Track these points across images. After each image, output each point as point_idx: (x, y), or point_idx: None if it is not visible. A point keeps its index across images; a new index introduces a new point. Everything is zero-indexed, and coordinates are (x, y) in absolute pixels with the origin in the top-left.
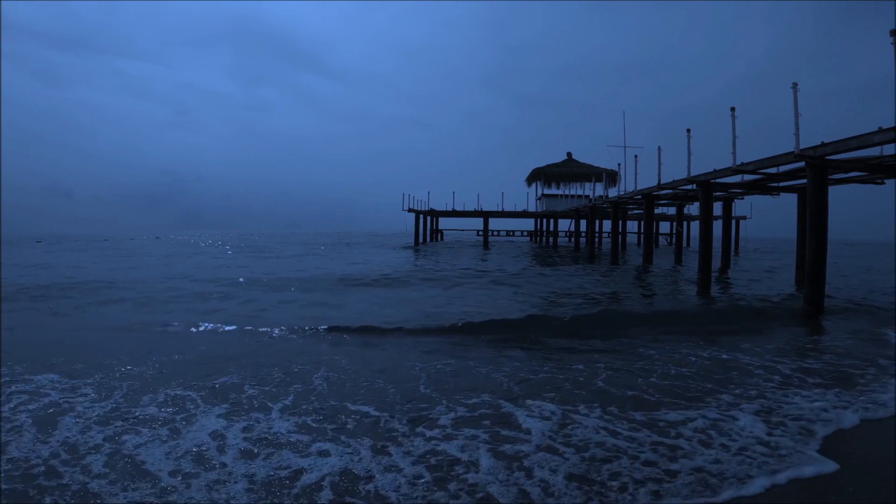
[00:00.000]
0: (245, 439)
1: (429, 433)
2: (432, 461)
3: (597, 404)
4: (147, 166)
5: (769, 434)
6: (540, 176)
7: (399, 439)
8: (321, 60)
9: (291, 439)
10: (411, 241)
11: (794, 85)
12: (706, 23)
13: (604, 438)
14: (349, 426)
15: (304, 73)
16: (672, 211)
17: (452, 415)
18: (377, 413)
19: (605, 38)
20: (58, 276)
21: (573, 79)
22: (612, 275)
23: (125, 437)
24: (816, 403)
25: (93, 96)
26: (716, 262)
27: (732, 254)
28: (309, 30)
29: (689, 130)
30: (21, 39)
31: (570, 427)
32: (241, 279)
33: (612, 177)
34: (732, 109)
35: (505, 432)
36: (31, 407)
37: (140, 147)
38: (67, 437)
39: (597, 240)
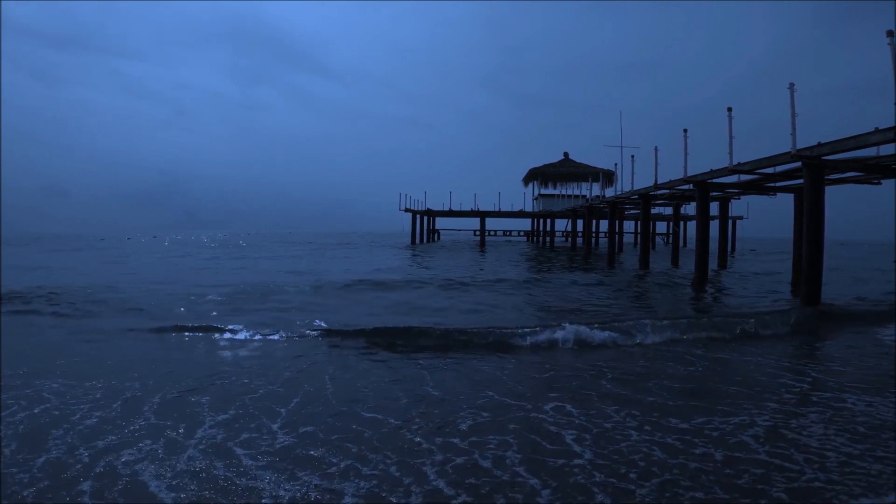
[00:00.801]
0: (258, 455)
1: (459, 444)
2: (472, 481)
3: (618, 407)
4: (145, 166)
5: (860, 446)
6: (537, 176)
7: (431, 454)
8: (319, 60)
9: (311, 455)
10: (408, 240)
11: (791, 85)
12: (706, 23)
13: (662, 455)
14: (366, 435)
15: (303, 72)
16: (669, 211)
17: (472, 421)
18: (394, 420)
19: (604, 38)
20: (57, 278)
21: (573, 79)
22: (608, 282)
23: (122, 452)
24: (882, 409)
25: (90, 96)
26: (712, 263)
27: (729, 254)
28: (307, 29)
29: (685, 130)
30: (16, 39)
31: (610, 439)
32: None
33: (608, 177)
34: (729, 110)
35: (543, 443)
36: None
37: (138, 147)
38: (54, 455)
39: (594, 240)
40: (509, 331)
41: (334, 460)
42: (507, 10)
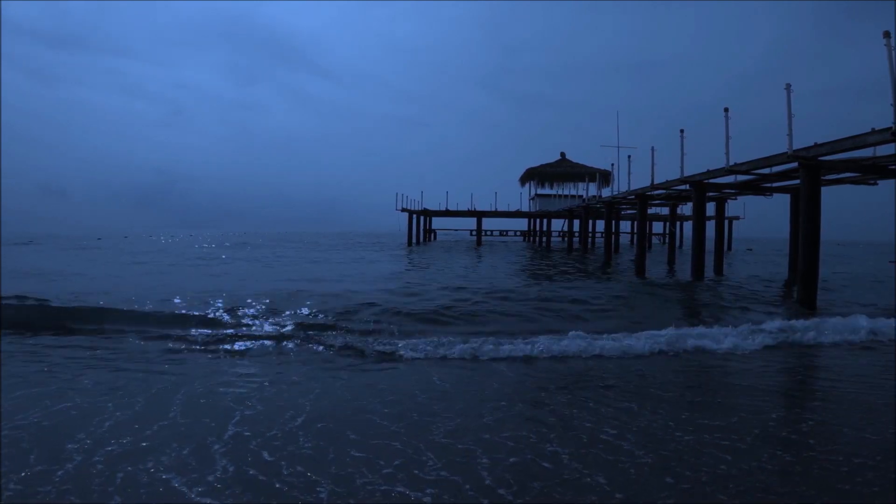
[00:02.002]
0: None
1: (515, 445)
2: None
3: (637, 405)
4: (142, 166)
5: None
6: (534, 176)
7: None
8: (317, 60)
9: (354, 457)
10: (405, 241)
11: (788, 86)
12: (706, 23)
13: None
14: (396, 437)
15: (300, 72)
16: (665, 211)
17: (499, 414)
18: (419, 417)
19: (604, 38)
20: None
21: (572, 79)
22: (604, 296)
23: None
24: None
25: (87, 95)
26: (708, 263)
27: (726, 252)
28: (305, 29)
29: (682, 131)
30: (13, 38)
31: (665, 439)
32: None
33: (605, 177)
34: (726, 110)
35: (595, 446)
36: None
37: (135, 146)
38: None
39: (590, 240)
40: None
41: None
42: (506, 10)
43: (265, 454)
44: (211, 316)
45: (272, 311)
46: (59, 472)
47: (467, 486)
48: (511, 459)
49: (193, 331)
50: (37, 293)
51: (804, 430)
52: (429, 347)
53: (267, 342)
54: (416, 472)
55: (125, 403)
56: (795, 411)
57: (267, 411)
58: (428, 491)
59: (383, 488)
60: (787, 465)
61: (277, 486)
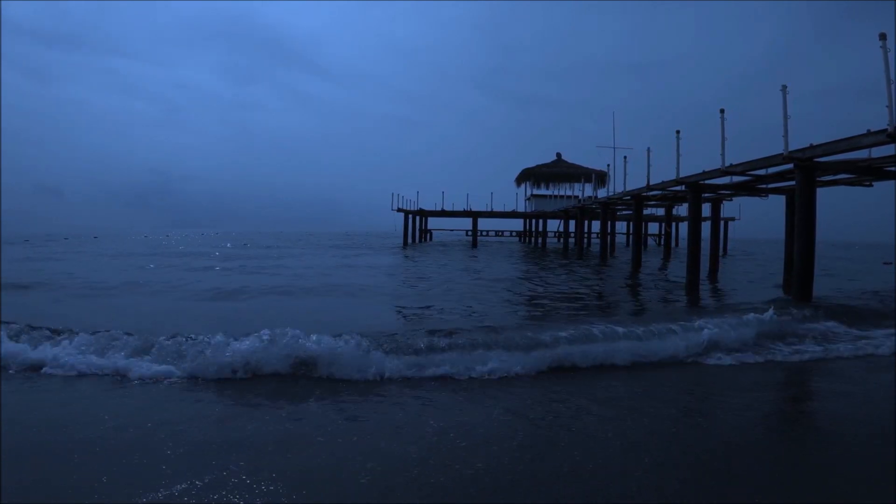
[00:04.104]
0: None
1: None
2: None
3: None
4: (140, 165)
5: None
6: (529, 176)
7: None
8: (315, 60)
9: None
10: (401, 241)
11: (784, 87)
12: (706, 23)
13: None
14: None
15: (299, 72)
16: (661, 212)
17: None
18: None
19: (604, 38)
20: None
21: (570, 80)
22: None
23: None
24: None
25: (84, 94)
26: (704, 264)
27: (721, 255)
28: (304, 29)
29: (678, 131)
30: (11, 37)
31: None
32: None
33: (601, 177)
34: (721, 111)
35: None
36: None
37: (133, 146)
38: None
39: (586, 241)
40: None
41: None
42: (505, 11)
43: None
44: None
45: None
46: None
47: None
48: None
49: None
50: None
51: None
52: None
53: None
54: None
55: None
56: None
57: None
58: None
59: None
60: None
61: None
